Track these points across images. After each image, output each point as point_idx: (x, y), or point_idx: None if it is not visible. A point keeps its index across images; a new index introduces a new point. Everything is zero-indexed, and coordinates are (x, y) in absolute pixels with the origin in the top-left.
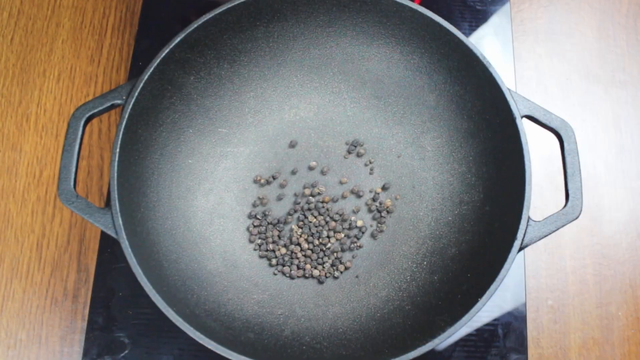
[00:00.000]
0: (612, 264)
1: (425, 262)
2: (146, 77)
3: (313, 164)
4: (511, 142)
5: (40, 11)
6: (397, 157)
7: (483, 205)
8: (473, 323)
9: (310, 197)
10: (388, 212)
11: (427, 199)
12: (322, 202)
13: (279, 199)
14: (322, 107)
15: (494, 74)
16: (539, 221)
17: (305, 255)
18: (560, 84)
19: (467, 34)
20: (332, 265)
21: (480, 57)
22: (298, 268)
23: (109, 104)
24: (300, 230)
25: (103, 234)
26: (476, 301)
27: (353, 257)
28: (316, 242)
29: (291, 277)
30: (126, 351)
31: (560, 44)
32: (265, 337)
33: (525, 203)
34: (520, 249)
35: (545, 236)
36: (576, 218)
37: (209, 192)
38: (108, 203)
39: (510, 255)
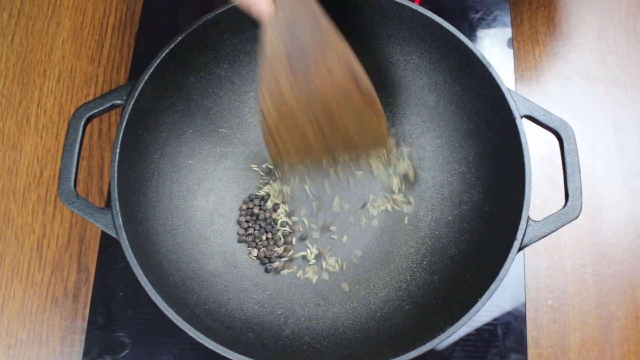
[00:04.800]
0: (611, 264)
1: (425, 262)
2: (146, 77)
3: None
4: (511, 142)
5: (40, 11)
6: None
7: (483, 205)
8: (473, 323)
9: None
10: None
11: (427, 199)
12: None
13: None
14: None
15: (493, 74)
16: (538, 221)
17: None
18: (560, 84)
19: (467, 34)
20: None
21: (480, 57)
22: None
23: (109, 104)
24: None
25: (103, 233)
26: (476, 301)
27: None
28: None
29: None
30: (126, 351)
31: (560, 44)
32: (265, 337)
33: (525, 203)
34: (520, 248)
35: (545, 236)
36: (576, 218)
37: (209, 192)
38: (108, 203)
39: (510, 255)
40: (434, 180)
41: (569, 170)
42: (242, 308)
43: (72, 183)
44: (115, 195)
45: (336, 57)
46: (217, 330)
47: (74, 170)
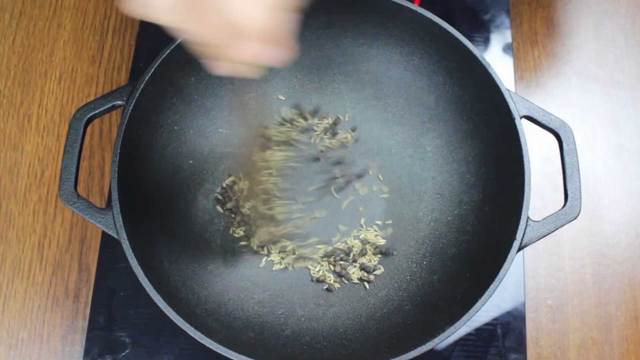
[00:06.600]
0: (610, 264)
1: (425, 262)
2: (147, 78)
3: None
4: (510, 143)
5: (41, 12)
6: (397, 157)
7: (482, 206)
8: (472, 323)
9: None
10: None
11: (427, 199)
12: None
13: None
14: (322, 107)
15: (493, 75)
16: (538, 221)
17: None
18: (559, 85)
19: (467, 35)
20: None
21: (480, 58)
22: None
23: (110, 105)
24: None
25: (104, 233)
26: (476, 301)
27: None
28: None
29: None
30: (127, 350)
31: (559, 45)
32: (265, 337)
33: (525, 203)
34: (520, 249)
35: (544, 236)
36: (575, 218)
37: (210, 192)
38: (109, 203)
39: (510, 255)
40: (433, 181)
41: (568, 171)
42: (242, 308)
43: (73, 183)
44: (115, 195)
45: None
46: (217, 330)
47: (74, 170)
